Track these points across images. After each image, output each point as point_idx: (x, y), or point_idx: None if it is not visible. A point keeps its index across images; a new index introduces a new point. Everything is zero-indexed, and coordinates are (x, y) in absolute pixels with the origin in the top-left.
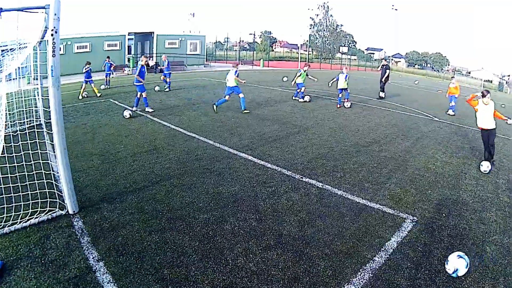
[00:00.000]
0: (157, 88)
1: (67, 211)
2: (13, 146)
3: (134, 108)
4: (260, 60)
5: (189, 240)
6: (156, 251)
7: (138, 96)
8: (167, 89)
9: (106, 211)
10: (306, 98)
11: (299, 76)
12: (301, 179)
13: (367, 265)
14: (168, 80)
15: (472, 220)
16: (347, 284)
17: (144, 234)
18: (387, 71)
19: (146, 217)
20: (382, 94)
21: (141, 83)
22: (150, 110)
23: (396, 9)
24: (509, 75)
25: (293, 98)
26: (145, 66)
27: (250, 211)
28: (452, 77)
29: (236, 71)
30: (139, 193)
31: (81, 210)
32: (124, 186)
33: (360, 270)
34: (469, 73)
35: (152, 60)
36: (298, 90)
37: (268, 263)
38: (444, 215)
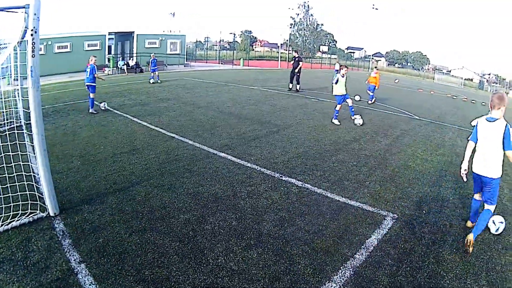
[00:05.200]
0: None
1: (48, 213)
2: None
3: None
4: (240, 59)
5: (169, 241)
6: (137, 252)
7: (92, 96)
8: (158, 81)
9: (87, 213)
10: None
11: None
12: (280, 178)
13: (347, 262)
14: (154, 74)
15: (452, 216)
16: (328, 282)
17: (125, 235)
18: (300, 63)
19: (127, 218)
20: (291, 86)
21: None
22: (94, 112)
23: (376, 9)
24: (489, 74)
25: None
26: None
27: (230, 211)
28: (375, 67)
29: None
30: (119, 194)
31: (62, 212)
32: (105, 187)
33: (341, 267)
34: (450, 71)
35: (132, 60)
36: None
37: (248, 262)
38: (424, 212)
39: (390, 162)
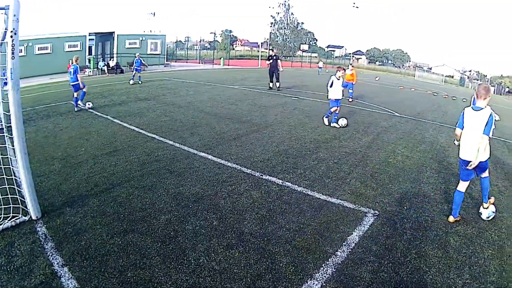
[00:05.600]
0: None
1: (30, 217)
2: None
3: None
4: (220, 59)
5: (151, 242)
6: (119, 254)
7: (75, 95)
8: (140, 82)
9: (69, 215)
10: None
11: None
12: (261, 176)
13: (329, 260)
14: (136, 74)
15: (434, 212)
16: (310, 280)
17: (107, 238)
18: (278, 61)
19: (108, 220)
20: (271, 85)
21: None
22: (75, 109)
23: (357, 7)
24: (470, 71)
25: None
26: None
27: (211, 210)
28: (350, 64)
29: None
30: (101, 196)
31: (44, 215)
32: (86, 189)
33: (323, 265)
34: (430, 69)
35: (113, 60)
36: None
37: (230, 262)
38: (405, 208)
39: (370, 159)
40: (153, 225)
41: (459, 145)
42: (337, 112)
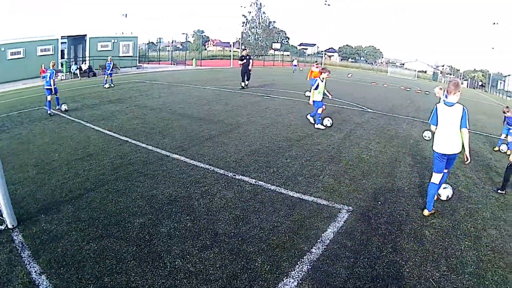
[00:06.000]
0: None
1: (6, 226)
2: None
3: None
4: (193, 59)
5: (126, 246)
6: (96, 260)
7: (49, 98)
8: (112, 85)
9: (44, 223)
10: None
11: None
12: (234, 176)
13: (304, 257)
14: (109, 78)
15: (408, 206)
16: (286, 278)
17: (83, 243)
18: (250, 60)
19: (83, 226)
20: (243, 84)
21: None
22: (49, 112)
23: (328, 5)
24: (443, 65)
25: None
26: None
27: (185, 212)
28: (315, 61)
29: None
30: (75, 202)
31: (20, 224)
32: (60, 196)
33: (298, 262)
34: (403, 64)
35: (85, 64)
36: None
37: (205, 263)
38: (380, 203)
39: (343, 156)
40: (127, 229)
41: (432, 139)
42: (320, 113)
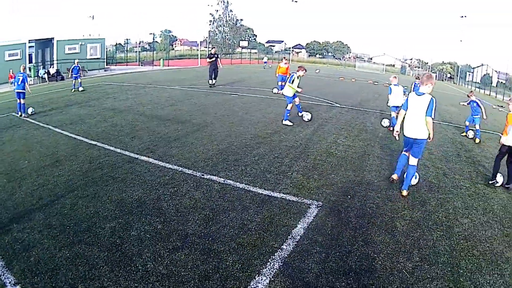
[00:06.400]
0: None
1: None
2: None
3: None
4: (160, 60)
5: (98, 251)
6: (68, 267)
7: (22, 102)
8: (80, 88)
9: (16, 232)
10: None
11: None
12: (202, 176)
13: (275, 254)
14: (76, 81)
15: (378, 198)
16: (258, 276)
17: (55, 251)
18: (218, 59)
19: (55, 233)
20: (211, 82)
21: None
22: (24, 115)
23: (296, 1)
24: (411, 59)
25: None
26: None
27: (154, 214)
28: (283, 57)
29: (291, 77)
30: (46, 209)
31: None
32: (31, 204)
33: (269, 260)
34: (371, 59)
35: (53, 67)
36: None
37: (177, 264)
38: (349, 197)
39: (311, 151)
40: (98, 234)
41: (402, 123)
42: (298, 103)
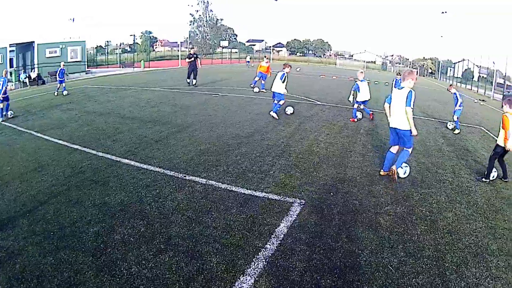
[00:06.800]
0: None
1: None
2: None
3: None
4: (141, 61)
5: (82, 257)
6: (53, 273)
7: (1, 106)
8: (64, 93)
9: (1, 240)
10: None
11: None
12: (184, 177)
13: (259, 253)
14: (61, 86)
15: (361, 195)
16: (242, 276)
17: (40, 258)
18: (197, 59)
19: (39, 239)
20: (189, 80)
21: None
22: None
23: (276, 0)
24: (392, 55)
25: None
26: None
27: (137, 217)
28: (264, 57)
29: (283, 75)
30: (30, 216)
31: None
32: (15, 211)
33: (253, 259)
34: (352, 56)
35: (34, 71)
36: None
37: (161, 267)
38: (332, 194)
39: (293, 149)
40: (82, 239)
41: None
42: (281, 104)
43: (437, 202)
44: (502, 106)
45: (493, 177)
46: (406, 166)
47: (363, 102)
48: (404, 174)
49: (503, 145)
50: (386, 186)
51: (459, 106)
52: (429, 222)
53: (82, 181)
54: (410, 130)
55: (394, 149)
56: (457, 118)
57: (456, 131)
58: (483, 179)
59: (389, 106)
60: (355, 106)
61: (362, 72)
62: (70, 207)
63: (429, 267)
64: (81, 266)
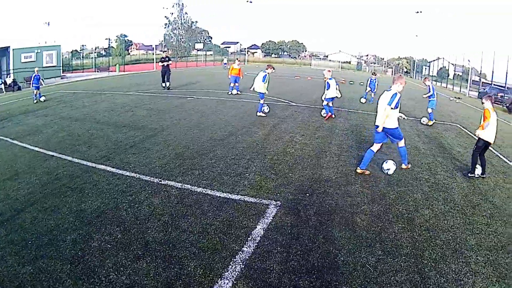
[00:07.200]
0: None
1: None
2: None
3: None
4: (116, 65)
5: (60, 265)
6: (32, 283)
7: None
8: (42, 99)
9: None
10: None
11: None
12: (160, 182)
13: (236, 257)
14: (37, 91)
15: (337, 195)
16: (220, 279)
17: (18, 267)
18: (170, 62)
19: (17, 249)
20: (164, 85)
21: None
22: None
23: (250, 2)
24: (367, 55)
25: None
26: None
27: (114, 224)
28: (236, 59)
29: (265, 76)
30: (7, 225)
31: None
32: None
33: (231, 263)
34: (327, 56)
35: (9, 77)
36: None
37: (139, 274)
38: (308, 195)
39: (268, 151)
40: (60, 247)
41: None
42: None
43: (414, 200)
44: (482, 102)
45: (477, 174)
46: (393, 165)
47: (332, 99)
48: (387, 170)
49: (486, 139)
50: (362, 186)
51: (432, 97)
52: (406, 220)
53: (59, 188)
54: (395, 128)
55: (375, 147)
56: (432, 110)
57: (430, 123)
58: (469, 175)
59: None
60: (324, 103)
61: (329, 70)
62: (47, 215)
63: (408, 265)
64: (60, 274)
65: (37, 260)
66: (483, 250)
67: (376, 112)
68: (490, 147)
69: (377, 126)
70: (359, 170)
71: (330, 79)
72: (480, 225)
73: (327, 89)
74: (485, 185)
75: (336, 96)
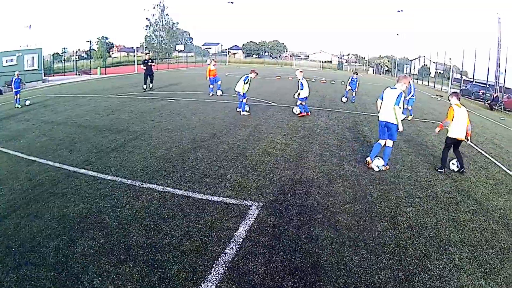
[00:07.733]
0: None
1: None
2: None
3: None
4: (97, 68)
5: (44, 272)
6: None
7: None
8: (27, 103)
9: None
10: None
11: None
12: (141, 185)
13: (219, 259)
14: (17, 96)
15: (319, 194)
16: (203, 282)
17: (2, 275)
18: (152, 64)
19: (1, 257)
20: (145, 87)
21: None
22: None
23: (232, 2)
24: (348, 54)
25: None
26: None
27: (97, 229)
28: (212, 59)
29: (246, 77)
30: None
31: None
32: None
33: (214, 265)
34: (308, 56)
35: None
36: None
37: (123, 278)
38: (289, 195)
39: (249, 152)
40: (43, 253)
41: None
42: (244, 102)
43: (396, 198)
44: (449, 99)
45: (453, 169)
46: (383, 165)
47: (305, 99)
48: (377, 167)
49: (452, 136)
50: (344, 185)
51: (412, 95)
52: (389, 218)
53: (41, 194)
54: (397, 124)
55: (381, 142)
56: (411, 107)
57: (410, 117)
58: (438, 170)
59: (381, 103)
60: (298, 102)
61: (301, 71)
62: (29, 221)
63: (392, 263)
64: (44, 281)
65: (21, 267)
66: (467, 246)
67: (379, 109)
68: (471, 143)
69: (383, 122)
70: (368, 159)
71: (302, 79)
72: (464, 221)
73: (300, 89)
74: (467, 182)
75: (307, 96)
